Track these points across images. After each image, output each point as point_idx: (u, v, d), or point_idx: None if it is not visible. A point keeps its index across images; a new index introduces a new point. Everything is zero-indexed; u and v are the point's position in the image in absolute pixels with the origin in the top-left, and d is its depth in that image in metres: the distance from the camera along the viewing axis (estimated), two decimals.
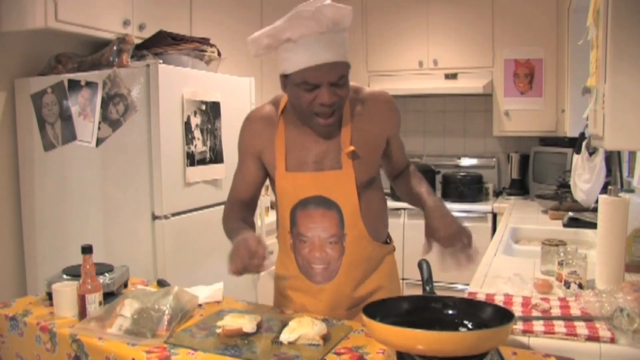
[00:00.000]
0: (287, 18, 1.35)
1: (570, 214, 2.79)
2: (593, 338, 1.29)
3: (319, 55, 1.34)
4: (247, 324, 1.33)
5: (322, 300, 1.52)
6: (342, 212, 1.47)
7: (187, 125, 2.32)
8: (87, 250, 1.44)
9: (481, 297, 1.60)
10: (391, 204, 2.08)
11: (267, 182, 1.63)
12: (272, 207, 3.37)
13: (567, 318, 1.40)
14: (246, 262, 1.30)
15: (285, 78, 1.43)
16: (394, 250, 1.67)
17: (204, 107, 2.42)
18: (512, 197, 3.94)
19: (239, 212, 1.59)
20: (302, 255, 1.52)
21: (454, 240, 1.38)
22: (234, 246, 1.37)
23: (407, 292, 3.75)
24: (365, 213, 1.49)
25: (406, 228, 3.73)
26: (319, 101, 1.37)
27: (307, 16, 1.32)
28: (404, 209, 3.74)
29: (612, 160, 3.01)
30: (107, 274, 1.59)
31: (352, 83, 1.51)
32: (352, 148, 1.45)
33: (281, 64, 1.41)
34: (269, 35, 1.39)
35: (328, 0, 1.34)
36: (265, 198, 3.17)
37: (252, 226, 1.57)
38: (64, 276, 1.61)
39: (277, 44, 1.40)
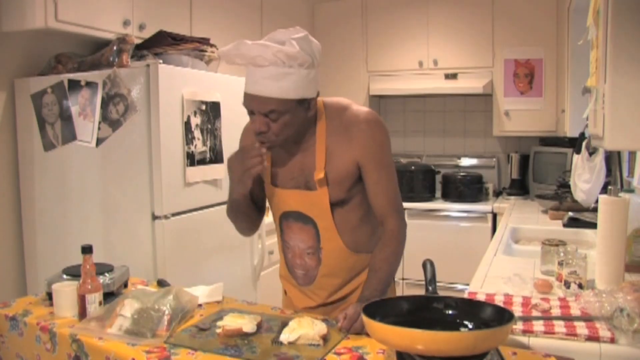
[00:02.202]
0: (233, 45, 1.38)
1: (570, 214, 2.79)
2: (593, 338, 1.29)
3: (252, 85, 1.40)
4: (247, 324, 1.33)
5: (306, 294, 1.62)
6: (318, 227, 1.52)
7: (187, 125, 2.32)
8: (87, 250, 1.44)
9: (481, 297, 1.60)
10: None
11: None
12: None
13: (567, 318, 1.40)
14: (246, 162, 1.43)
15: None
16: None
17: (204, 107, 2.42)
18: (512, 197, 3.94)
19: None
20: (288, 259, 1.62)
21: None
22: (231, 156, 1.50)
23: (407, 292, 3.75)
24: (343, 228, 1.53)
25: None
26: (252, 125, 1.44)
27: (248, 59, 1.37)
28: (404, 209, 3.74)
29: (612, 160, 3.01)
30: (107, 274, 1.59)
31: (342, 100, 1.54)
32: (321, 175, 1.47)
33: None
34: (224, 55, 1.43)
35: (287, 35, 1.37)
36: None
37: (258, 217, 1.69)
38: (64, 276, 1.61)
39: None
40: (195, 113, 2.37)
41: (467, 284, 1.88)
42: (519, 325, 1.36)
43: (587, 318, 1.39)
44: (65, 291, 1.49)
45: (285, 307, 1.67)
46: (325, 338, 1.28)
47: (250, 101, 1.41)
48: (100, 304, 1.45)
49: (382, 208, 1.52)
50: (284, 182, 1.55)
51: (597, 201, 1.85)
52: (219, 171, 2.54)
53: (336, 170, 1.48)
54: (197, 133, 2.38)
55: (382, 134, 1.50)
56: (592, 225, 2.25)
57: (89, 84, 2.27)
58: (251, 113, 1.44)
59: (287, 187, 1.54)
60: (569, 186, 2.71)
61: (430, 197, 3.93)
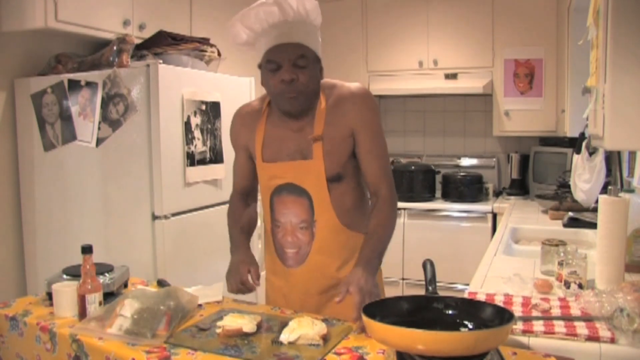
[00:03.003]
0: (252, 7, 1.47)
1: (570, 214, 2.79)
2: (593, 338, 1.29)
3: (278, 37, 1.46)
4: (247, 324, 1.33)
5: (294, 285, 1.59)
6: (312, 199, 1.53)
7: (187, 125, 2.32)
8: (87, 250, 1.44)
9: (481, 297, 1.60)
10: None
11: None
12: None
13: (567, 318, 1.40)
14: (239, 288, 1.53)
15: (261, 69, 1.53)
16: None
17: (204, 107, 2.42)
18: (512, 197, 3.94)
19: (240, 206, 1.72)
20: (277, 240, 1.60)
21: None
22: (229, 268, 1.58)
23: (407, 292, 3.75)
24: (338, 203, 1.54)
25: (406, 228, 3.72)
26: (280, 78, 1.46)
27: (271, 3, 1.45)
28: (404, 209, 3.75)
29: (612, 160, 3.01)
30: (107, 274, 1.60)
31: (329, 80, 1.59)
32: (318, 133, 1.50)
33: (258, 55, 1.53)
34: (243, 25, 1.51)
35: None
36: None
37: (251, 221, 1.72)
38: (64, 276, 1.61)
39: (252, 36, 1.52)
40: (195, 113, 2.37)
41: (467, 284, 1.88)
42: (519, 325, 1.36)
43: (587, 318, 1.39)
44: (65, 291, 1.49)
45: (270, 304, 1.66)
46: (325, 338, 1.28)
47: (278, 52, 1.45)
48: (100, 304, 1.45)
49: (375, 176, 1.54)
50: (278, 156, 1.56)
51: (597, 201, 1.85)
52: (219, 171, 2.54)
53: (332, 140, 1.51)
54: (197, 133, 2.38)
55: (374, 105, 1.57)
56: (592, 225, 2.25)
57: (89, 84, 2.27)
58: (276, 69, 1.46)
59: (282, 161, 1.55)
60: (569, 186, 2.71)
61: (430, 197, 3.93)
